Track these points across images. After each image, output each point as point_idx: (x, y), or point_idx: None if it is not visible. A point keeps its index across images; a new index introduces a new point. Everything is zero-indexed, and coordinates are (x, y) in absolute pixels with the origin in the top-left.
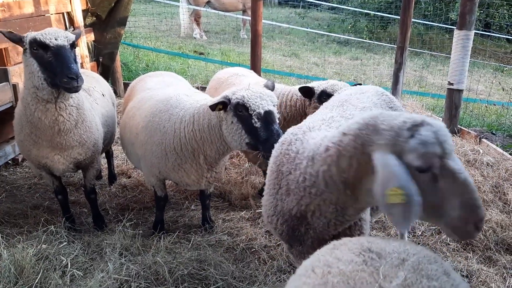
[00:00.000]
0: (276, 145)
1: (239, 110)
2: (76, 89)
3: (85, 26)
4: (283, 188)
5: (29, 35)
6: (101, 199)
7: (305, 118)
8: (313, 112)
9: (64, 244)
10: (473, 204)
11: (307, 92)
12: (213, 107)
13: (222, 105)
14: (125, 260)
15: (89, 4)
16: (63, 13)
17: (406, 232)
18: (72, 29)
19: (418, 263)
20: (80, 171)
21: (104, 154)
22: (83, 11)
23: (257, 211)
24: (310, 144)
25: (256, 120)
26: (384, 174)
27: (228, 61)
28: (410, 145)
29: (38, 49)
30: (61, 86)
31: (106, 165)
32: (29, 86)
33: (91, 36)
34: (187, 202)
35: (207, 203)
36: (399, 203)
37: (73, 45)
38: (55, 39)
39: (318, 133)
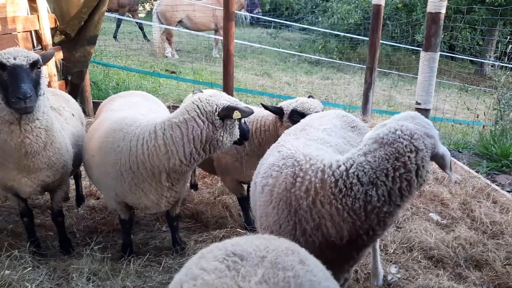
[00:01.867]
0: (270, 175)
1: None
2: (25, 110)
3: (54, 44)
4: (308, 223)
5: None
6: (68, 222)
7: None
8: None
9: (28, 269)
10: None
11: (277, 111)
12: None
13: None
14: (93, 286)
15: (58, 22)
16: (30, 31)
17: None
18: (40, 47)
19: (276, 258)
20: (47, 193)
21: (72, 175)
22: (52, 29)
23: (232, 227)
24: (350, 169)
25: (243, 121)
26: (447, 155)
27: (200, 80)
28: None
29: None
30: (12, 107)
31: (74, 186)
32: None
33: (60, 55)
34: (158, 223)
35: (175, 224)
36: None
37: (34, 65)
38: (14, 59)
39: (330, 157)
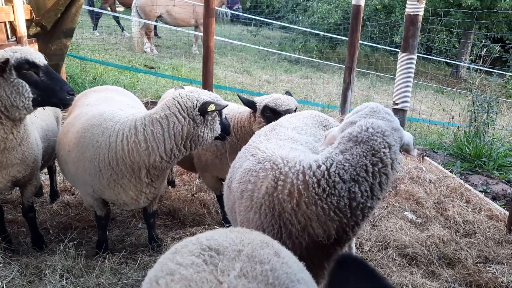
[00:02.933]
0: (248, 180)
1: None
2: (69, 105)
3: (29, 36)
4: (293, 226)
5: (16, 55)
6: (41, 218)
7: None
8: (259, 127)
9: None
10: None
11: (250, 105)
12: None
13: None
14: (66, 283)
15: (33, 14)
16: (5, 23)
17: (354, 248)
18: (14, 39)
19: (252, 251)
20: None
21: (46, 170)
22: (27, 20)
23: (209, 225)
24: (331, 167)
25: (224, 116)
26: (411, 142)
27: (180, 76)
28: (405, 140)
29: (29, 69)
30: (60, 103)
31: (48, 182)
32: None
33: (35, 47)
34: (134, 220)
35: (152, 221)
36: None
37: None
38: (43, 58)
39: (308, 158)
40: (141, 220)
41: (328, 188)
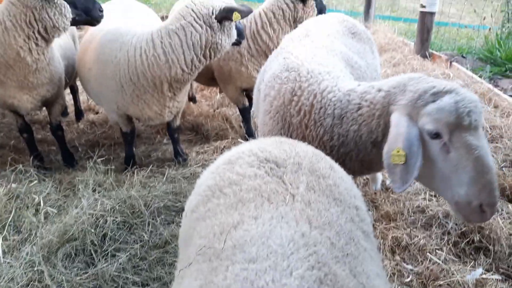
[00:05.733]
0: (272, 86)
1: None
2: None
3: None
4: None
5: None
6: (69, 136)
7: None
8: (310, 10)
9: (34, 182)
10: (483, 183)
11: None
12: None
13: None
14: (99, 196)
15: None
16: None
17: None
18: None
19: (311, 164)
20: (44, 108)
21: (69, 90)
22: None
23: (233, 139)
24: (332, 99)
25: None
26: (393, 134)
27: None
28: (426, 109)
29: None
30: (94, 20)
31: (72, 102)
32: (39, 27)
33: None
34: (159, 136)
35: (176, 136)
36: (400, 164)
37: None
38: None
39: (328, 82)
40: (165, 136)
41: (318, 118)
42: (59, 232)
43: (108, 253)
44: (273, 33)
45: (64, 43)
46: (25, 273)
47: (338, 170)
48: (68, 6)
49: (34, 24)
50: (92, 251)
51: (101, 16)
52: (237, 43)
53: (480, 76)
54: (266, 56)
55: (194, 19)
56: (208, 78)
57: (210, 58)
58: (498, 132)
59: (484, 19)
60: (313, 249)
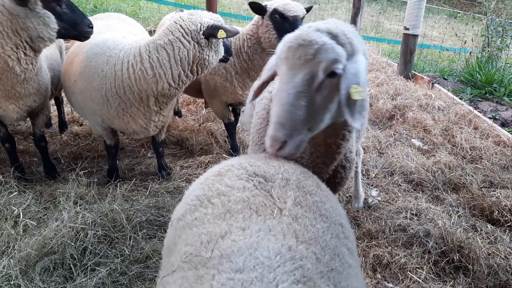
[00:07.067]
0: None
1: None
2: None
3: None
4: None
5: None
6: (52, 148)
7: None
8: (265, 31)
9: (14, 194)
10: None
11: (259, 9)
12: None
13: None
14: (80, 209)
15: None
16: None
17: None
18: None
19: (298, 181)
20: (28, 119)
21: (53, 101)
22: None
23: (217, 154)
24: None
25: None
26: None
27: (183, 3)
28: None
29: (53, 1)
30: (81, 36)
31: (56, 113)
32: (25, 36)
33: None
34: (143, 149)
35: (160, 150)
36: (358, 100)
37: None
38: None
39: None
40: (150, 149)
41: None
42: (38, 245)
43: (87, 267)
44: (250, 50)
45: (51, 53)
46: (1, 287)
47: (324, 189)
48: (52, 16)
49: (21, 32)
50: (72, 265)
51: (90, 32)
52: (224, 59)
53: (461, 98)
54: (249, 75)
55: (182, 35)
56: (196, 90)
57: (198, 73)
58: (477, 153)
59: (465, 42)
60: (299, 263)
